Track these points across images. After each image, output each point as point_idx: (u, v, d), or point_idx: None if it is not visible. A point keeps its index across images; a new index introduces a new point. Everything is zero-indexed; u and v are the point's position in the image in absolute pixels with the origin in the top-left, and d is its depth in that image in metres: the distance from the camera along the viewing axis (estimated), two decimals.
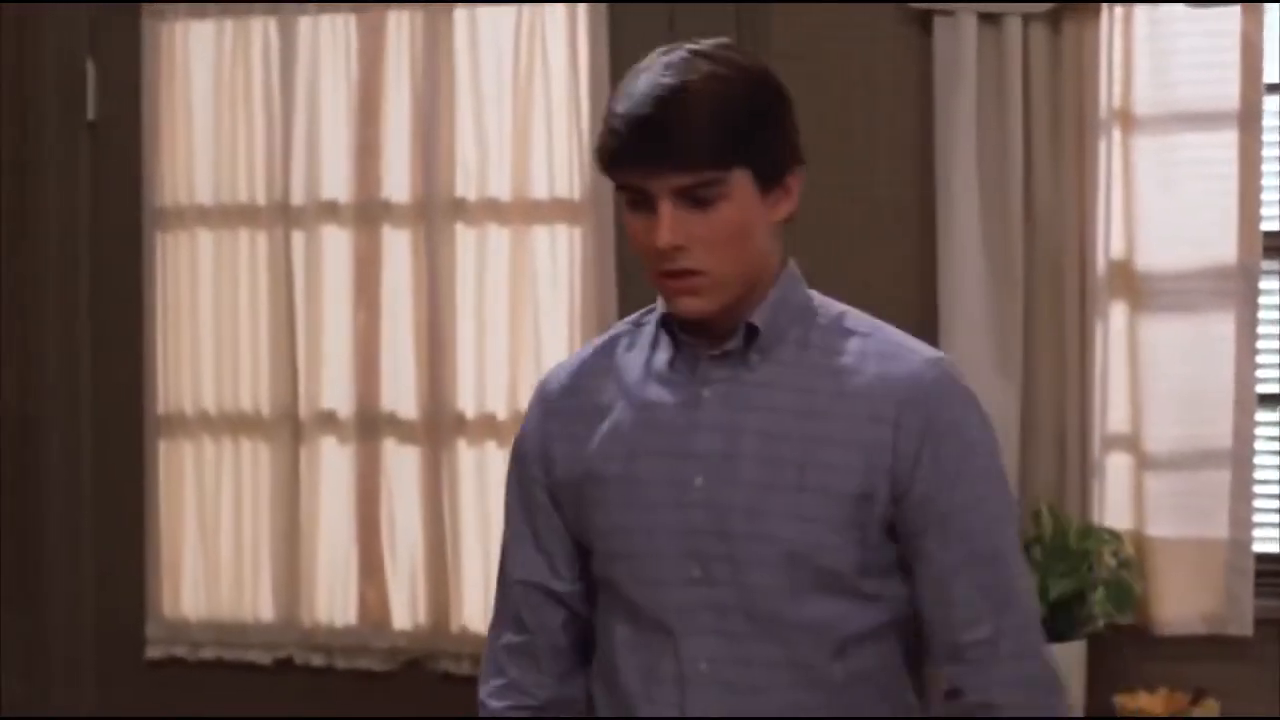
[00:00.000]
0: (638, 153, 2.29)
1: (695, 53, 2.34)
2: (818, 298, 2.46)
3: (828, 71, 4.41)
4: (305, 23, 4.74)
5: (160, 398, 4.85)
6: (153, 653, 4.85)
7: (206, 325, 4.83)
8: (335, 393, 4.74)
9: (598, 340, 2.52)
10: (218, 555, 4.82)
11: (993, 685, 2.34)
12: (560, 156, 4.62)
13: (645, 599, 2.38)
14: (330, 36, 4.74)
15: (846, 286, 4.36)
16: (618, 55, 4.52)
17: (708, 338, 2.39)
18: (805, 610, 2.34)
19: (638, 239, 2.34)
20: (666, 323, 2.41)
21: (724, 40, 2.41)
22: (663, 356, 2.42)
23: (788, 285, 2.42)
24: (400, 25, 4.69)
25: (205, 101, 4.82)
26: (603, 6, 4.59)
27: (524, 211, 4.65)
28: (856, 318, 2.44)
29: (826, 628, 2.35)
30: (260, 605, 4.79)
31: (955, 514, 2.34)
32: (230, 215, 4.81)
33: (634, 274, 4.46)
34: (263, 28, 4.77)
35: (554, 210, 4.63)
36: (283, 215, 4.75)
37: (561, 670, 2.51)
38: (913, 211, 4.38)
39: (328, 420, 4.74)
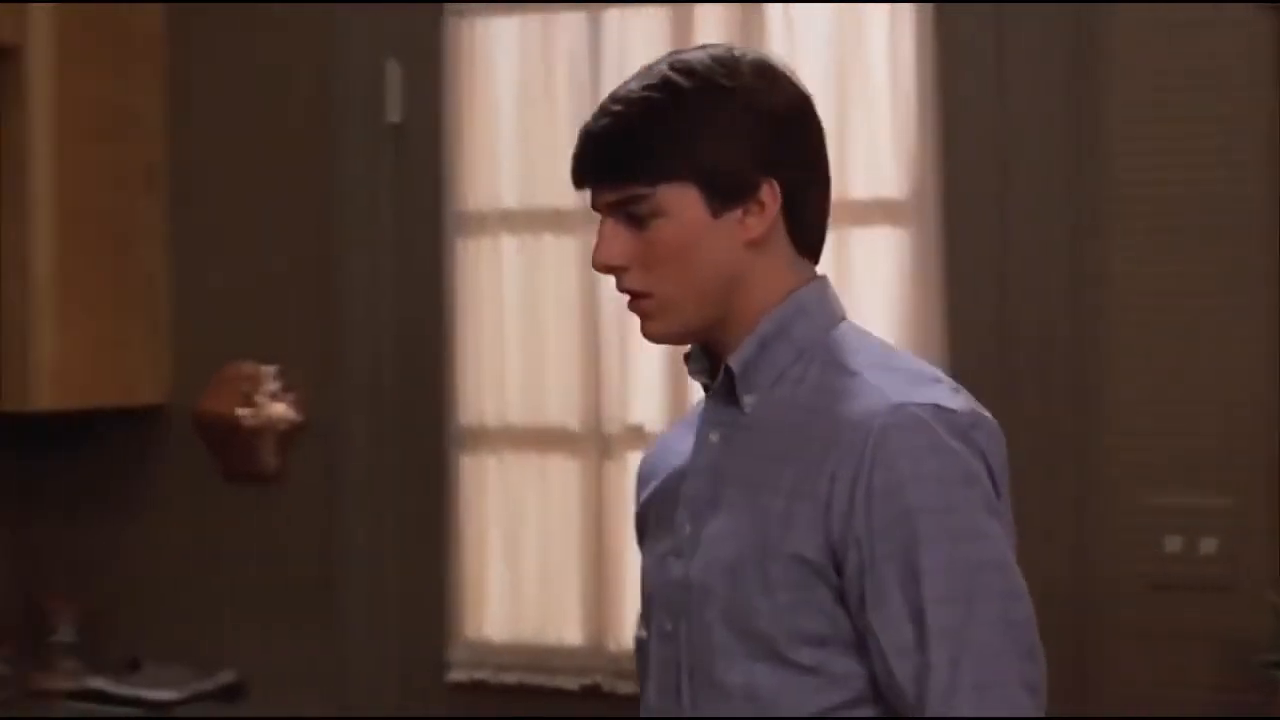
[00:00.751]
0: (577, 167, 2.22)
1: (669, 61, 2.20)
2: (843, 329, 2.21)
3: (1173, 70, 4.10)
4: (613, 17, 4.53)
5: (464, 409, 4.67)
6: (456, 676, 4.66)
7: (511, 334, 4.63)
8: (644, 405, 4.50)
9: None
10: (523, 576, 4.63)
11: None
12: (883, 154, 4.33)
13: (645, 651, 2.25)
14: (639, 32, 4.51)
15: (1196, 291, 4.11)
16: (944, 50, 4.24)
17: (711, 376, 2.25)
18: (736, 676, 2.11)
19: None
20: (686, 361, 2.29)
21: (722, 46, 2.22)
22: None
23: (788, 316, 2.19)
24: (711, 19, 4.45)
25: (510, 100, 4.63)
26: (929, 6, 4.29)
27: (843, 212, 4.37)
28: (866, 355, 2.18)
29: (761, 700, 2.10)
30: (567, 629, 4.58)
31: (891, 588, 2.03)
32: (536, 219, 4.62)
33: (963, 281, 4.20)
34: (569, 23, 4.57)
35: (875, 211, 4.35)
36: (590, 218, 4.52)
37: None
38: (1274, 212, 4.05)
39: (637, 435, 4.50)
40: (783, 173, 2.16)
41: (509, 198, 4.64)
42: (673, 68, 2.17)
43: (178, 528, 4.93)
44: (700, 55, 2.18)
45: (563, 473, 4.59)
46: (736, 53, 2.19)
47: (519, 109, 4.62)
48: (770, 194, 2.16)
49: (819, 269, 2.25)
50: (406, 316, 4.71)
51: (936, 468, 2.04)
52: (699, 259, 2.15)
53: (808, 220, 2.20)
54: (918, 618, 2.01)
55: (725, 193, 2.15)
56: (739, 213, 2.16)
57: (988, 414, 2.12)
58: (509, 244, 4.64)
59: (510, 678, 4.62)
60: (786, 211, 2.17)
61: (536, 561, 4.61)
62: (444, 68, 4.66)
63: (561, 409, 4.58)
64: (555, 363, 4.60)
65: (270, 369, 4.81)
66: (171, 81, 4.91)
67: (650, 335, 2.20)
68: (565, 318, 4.58)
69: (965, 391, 2.14)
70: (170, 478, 4.94)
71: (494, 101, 4.64)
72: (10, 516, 5.03)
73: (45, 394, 4.58)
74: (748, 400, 2.17)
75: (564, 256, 4.59)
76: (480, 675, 4.64)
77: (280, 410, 4.79)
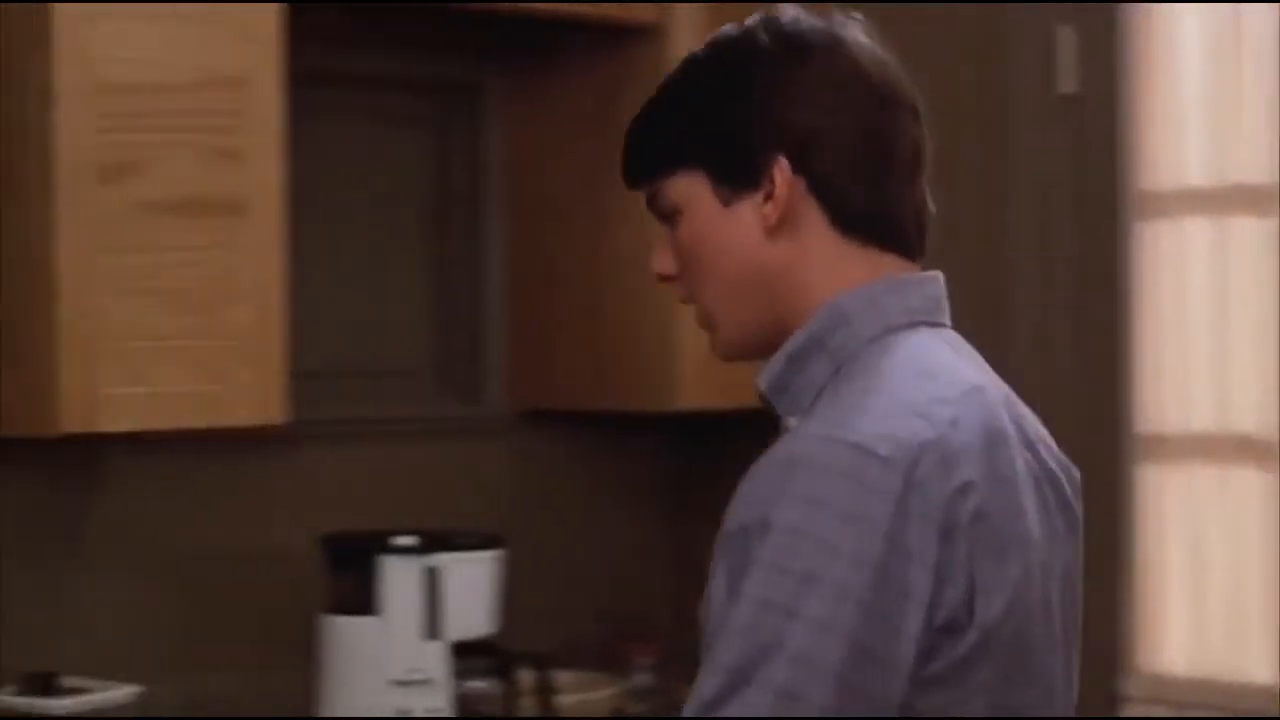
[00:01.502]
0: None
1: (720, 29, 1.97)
2: (892, 340, 1.87)
3: None
4: None
5: (1143, 414, 4.17)
6: (1133, 710, 4.18)
7: (1197, 329, 4.12)
8: None
9: None
10: (1207, 602, 4.10)
11: None
12: None
13: None
14: None
15: None
16: None
17: None
18: None
19: None
20: None
21: (774, 10, 1.96)
22: None
23: (824, 325, 1.88)
24: None
25: (1196, 65, 4.12)
26: None
27: None
28: (876, 376, 1.82)
29: None
30: (1253, 664, 4.02)
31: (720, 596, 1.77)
32: (1226, 199, 4.09)
33: None
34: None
35: None
36: None
37: None
38: None
39: None
40: (811, 147, 1.86)
41: (1196, 174, 4.13)
42: (708, 40, 1.95)
43: None
44: (736, 26, 1.94)
45: (1252, 487, 4.04)
46: (780, 16, 1.93)
47: (1206, 74, 4.11)
48: (781, 172, 1.85)
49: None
50: (1079, 308, 4.24)
51: (798, 504, 1.72)
52: (717, 254, 1.89)
53: (854, 200, 1.88)
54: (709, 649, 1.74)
55: (731, 175, 1.88)
56: (758, 198, 1.87)
57: (932, 464, 1.76)
58: (1195, 227, 4.13)
59: (1193, 715, 4.10)
60: (819, 194, 1.87)
61: (1222, 586, 4.08)
62: (1122, 33, 4.18)
63: (1252, 415, 4.03)
64: (1246, 362, 4.06)
65: None
66: None
67: (716, 352, 1.94)
68: (1259, 311, 4.03)
69: (959, 427, 1.80)
70: None
71: (1178, 66, 4.14)
72: (660, 517, 4.86)
73: (692, 392, 4.35)
74: (791, 424, 1.86)
75: (1258, 241, 4.04)
76: (1159, 711, 4.14)
77: None
